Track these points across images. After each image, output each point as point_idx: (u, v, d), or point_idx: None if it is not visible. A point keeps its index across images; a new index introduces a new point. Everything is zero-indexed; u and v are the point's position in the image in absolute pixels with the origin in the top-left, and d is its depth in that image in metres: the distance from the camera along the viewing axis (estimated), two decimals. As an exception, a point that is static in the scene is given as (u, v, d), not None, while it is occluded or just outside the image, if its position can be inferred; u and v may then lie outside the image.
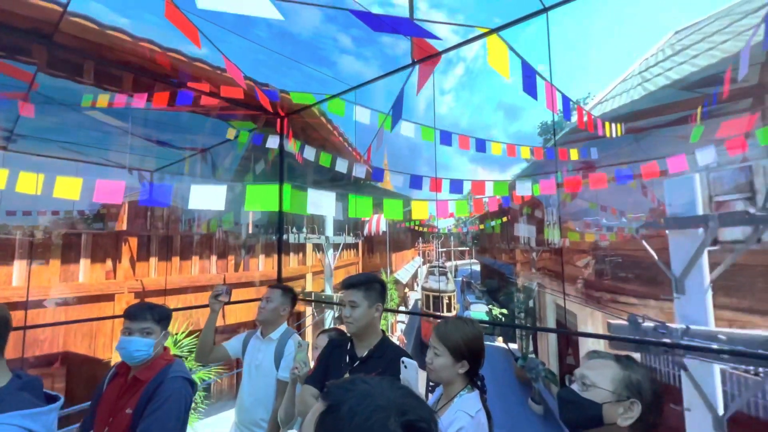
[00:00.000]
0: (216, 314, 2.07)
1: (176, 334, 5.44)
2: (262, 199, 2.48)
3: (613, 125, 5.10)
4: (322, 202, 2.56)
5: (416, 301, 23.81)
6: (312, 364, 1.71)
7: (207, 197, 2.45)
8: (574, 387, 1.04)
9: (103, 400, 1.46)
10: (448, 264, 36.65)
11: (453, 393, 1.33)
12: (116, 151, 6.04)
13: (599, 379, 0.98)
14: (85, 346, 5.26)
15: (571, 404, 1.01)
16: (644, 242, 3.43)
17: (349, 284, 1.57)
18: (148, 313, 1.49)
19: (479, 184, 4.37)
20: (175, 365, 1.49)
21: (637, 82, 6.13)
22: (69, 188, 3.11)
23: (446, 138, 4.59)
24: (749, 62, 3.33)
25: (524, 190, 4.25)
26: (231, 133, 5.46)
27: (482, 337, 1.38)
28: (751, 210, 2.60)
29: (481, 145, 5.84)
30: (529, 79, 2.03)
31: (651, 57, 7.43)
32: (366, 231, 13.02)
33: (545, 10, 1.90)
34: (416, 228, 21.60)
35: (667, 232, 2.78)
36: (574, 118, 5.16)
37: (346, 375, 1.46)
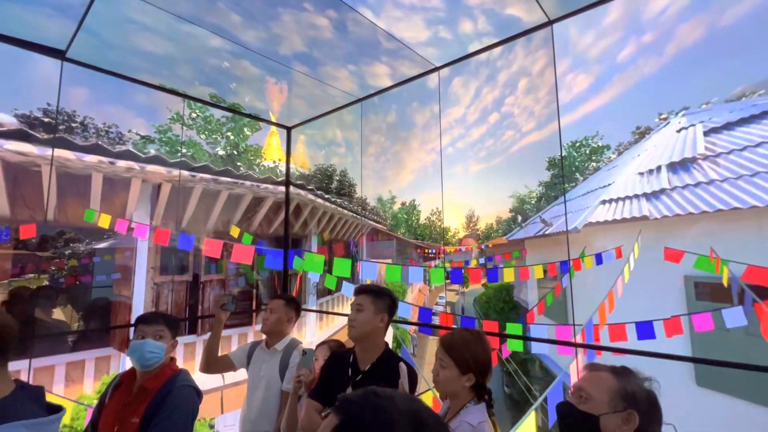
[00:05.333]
0: (221, 324, 2.05)
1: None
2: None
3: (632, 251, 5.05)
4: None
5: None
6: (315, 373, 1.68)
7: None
8: (572, 400, 1.02)
9: (106, 409, 1.45)
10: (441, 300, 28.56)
11: (459, 406, 1.29)
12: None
13: (595, 391, 0.97)
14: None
15: (569, 417, 1.00)
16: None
17: (360, 289, 1.58)
18: (161, 317, 1.55)
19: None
20: (182, 374, 1.51)
21: (651, 189, 6.06)
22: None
23: (457, 276, 4.57)
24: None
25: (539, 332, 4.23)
26: (234, 231, 5.53)
27: (489, 349, 1.34)
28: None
29: (493, 276, 5.81)
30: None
31: (659, 151, 7.34)
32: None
33: (550, 23, 1.93)
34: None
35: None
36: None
37: (350, 388, 1.43)
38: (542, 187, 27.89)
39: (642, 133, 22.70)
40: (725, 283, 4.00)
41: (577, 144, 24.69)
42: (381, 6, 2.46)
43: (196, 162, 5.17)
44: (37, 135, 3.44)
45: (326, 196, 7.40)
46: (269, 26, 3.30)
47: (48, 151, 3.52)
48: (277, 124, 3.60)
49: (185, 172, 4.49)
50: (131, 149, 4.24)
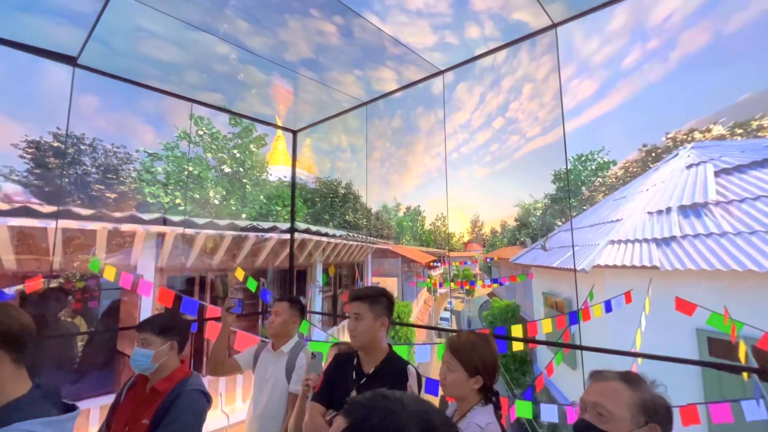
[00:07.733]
0: (228, 327, 2.06)
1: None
2: None
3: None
4: None
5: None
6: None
7: None
8: (589, 418, 0.96)
9: (120, 409, 1.49)
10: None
11: (466, 408, 1.27)
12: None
13: (615, 408, 0.92)
14: None
15: None
16: None
17: (355, 296, 1.54)
18: (147, 324, 1.54)
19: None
20: (192, 378, 1.53)
21: (661, 235, 5.95)
22: None
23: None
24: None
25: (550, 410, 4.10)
26: (239, 273, 5.52)
27: (497, 352, 1.31)
28: None
29: (501, 334, 5.71)
30: None
31: (669, 189, 7.22)
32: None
33: (554, 26, 1.93)
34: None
35: None
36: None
37: (354, 392, 1.43)
38: (548, 199, 27.81)
39: (649, 152, 22.56)
40: (743, 360, 3.87)
41: (583, 158, 24.58)
42: (387, 12, 2.48)
43: (202, 187, 5.15)
44: (41, 210, 3.45)
45: (331, 233, 7.37)
46: (276, 32, 3.32)
47: (52, 224, 3.53)
48: (283, 128, 3.61)
49: (189, 231, 4.48)
50: (135, 213, 4.25)
